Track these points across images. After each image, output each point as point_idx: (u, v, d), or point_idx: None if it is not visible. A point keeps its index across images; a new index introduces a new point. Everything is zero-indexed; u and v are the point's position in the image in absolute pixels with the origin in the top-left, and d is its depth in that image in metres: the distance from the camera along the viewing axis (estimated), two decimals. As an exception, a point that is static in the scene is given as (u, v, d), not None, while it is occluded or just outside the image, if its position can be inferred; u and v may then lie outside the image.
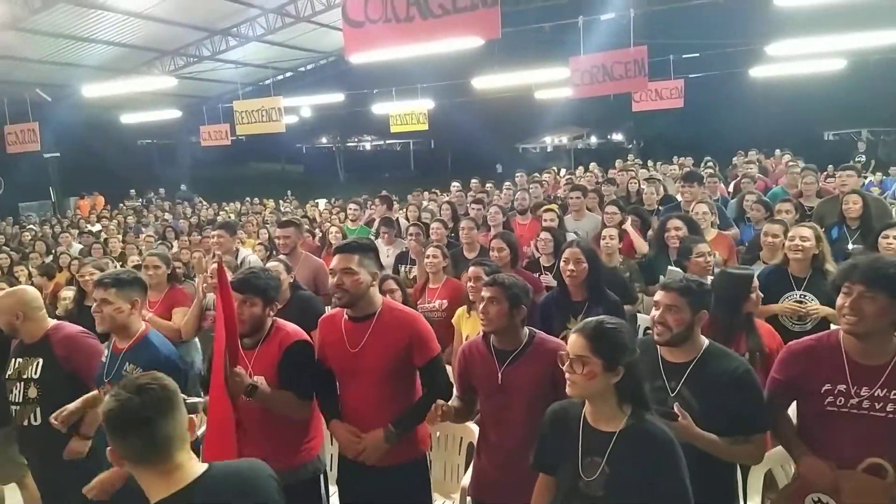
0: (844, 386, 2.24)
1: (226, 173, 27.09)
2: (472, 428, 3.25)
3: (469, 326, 3.90)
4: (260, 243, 7.95)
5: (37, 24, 12.56)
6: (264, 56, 17.48)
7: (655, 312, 2.51)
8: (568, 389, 2.13)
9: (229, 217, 13.29)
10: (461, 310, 4.07)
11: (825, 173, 8.36)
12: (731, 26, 15.66)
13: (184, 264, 6.68)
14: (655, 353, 2.54)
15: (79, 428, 3.18)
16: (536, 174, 12.03)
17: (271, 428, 2.79)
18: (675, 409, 2.33)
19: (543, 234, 5.11)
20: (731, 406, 2.36)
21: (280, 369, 2.79)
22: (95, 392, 3.11)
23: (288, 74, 20.70)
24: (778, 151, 12.88)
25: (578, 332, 2.14)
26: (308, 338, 2.95)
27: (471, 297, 3.89)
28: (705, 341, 2.54)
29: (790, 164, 9.51)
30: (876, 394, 2.18)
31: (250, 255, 5.72)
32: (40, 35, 13.14)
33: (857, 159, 16.98)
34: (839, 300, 2.24)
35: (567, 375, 2.12)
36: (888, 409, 2.17)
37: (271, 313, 2.89)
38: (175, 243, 9.06)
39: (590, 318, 2.23)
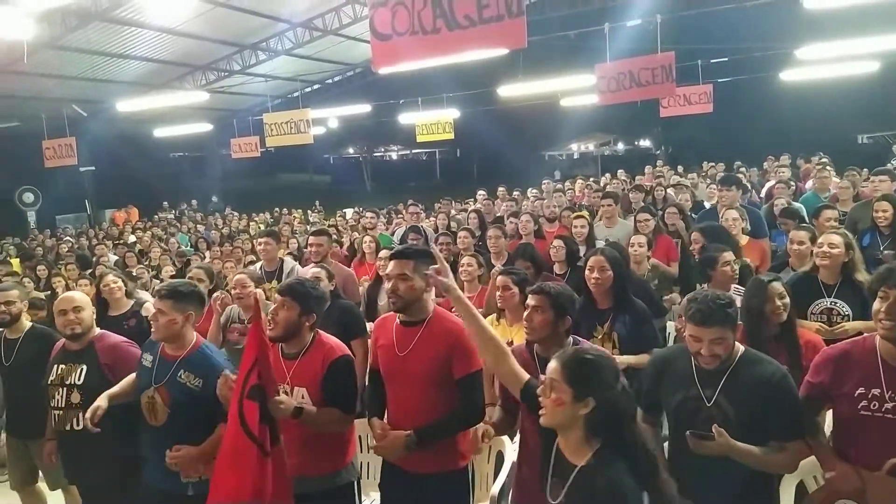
0: (879, 390, 2.22)
1: (255, 184, 27.48)
2: (501, 437, 3.25)
3: (501, 334, 3.89)
4: (290, 253, 8.06)
5: (73, 42, 12.95)
6: (293, 69, 17.77)
7: (699, 346, 2.42)
8: (541, 419, 2.08)
9: (259, 227, 13.50)
10: (491, 318, 4.07)
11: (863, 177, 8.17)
12: (760, 30, 15.46)
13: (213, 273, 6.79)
14: (689, 361, 2.51)
15: (126, 444, 3.17)
16: (558, 183, 11.98)
17: (308, 437, 2.82)
18: (713, 430, 2.29)
19: (556, 242, 5.12)
20: (768, 413, 2.34)
21: (324, 385, 2.83)
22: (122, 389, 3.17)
23: (316, 86, 20.99)
24: (815, 158, 12.63)
25: (557, 358, 2.10)
26: (350, 353, 2.99)
27: (499, 305, 3.90)
28: (740, 347, 2.51)
29: (817, 166, 9.34)
30: None
31: (298, 266, 5.82)
32: (77, 52, 13.54)
33: (892, 163, 16.55)
34: (876, 305, 2.22)
35: (540, 400, 2.08)
36: None
37: (308, 323, 2.90)
38: (207, 254, 9.23)
39: (570, 347, 2.26)
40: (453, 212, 9.71)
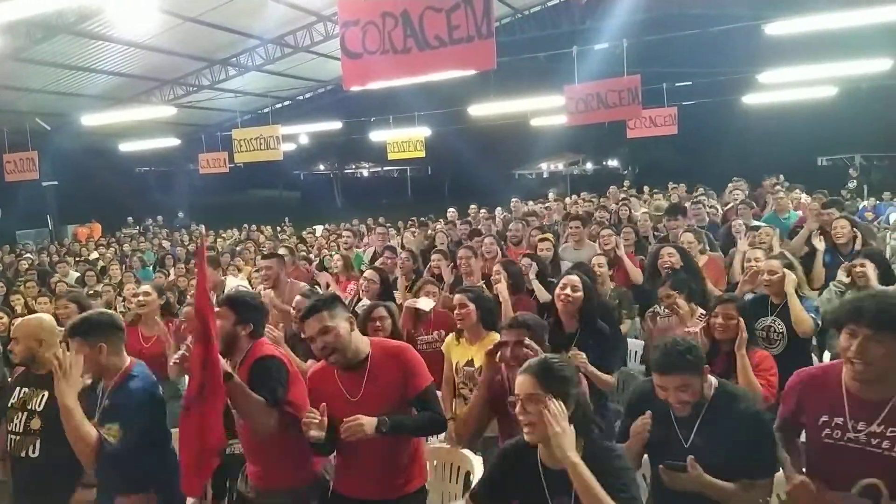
0: (842, 419, 2.20)
1: (224, 200, 27.18)
2: (469, 456, 3.24)
3: (458, 353, 3.87)
4: (257, 270, 7.95)
5: (38, 55, 12.71)
6: (263, 85, 17.68)
7: (665, 394, 2.45)
8: (528, 435, 2.11)
9: (225, 244, 13.32)
10: (450, 337, 4.04)
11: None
12: (723, 55, 15.91)
13: (181, 292, 6.68)
14: (664, 403, 2.49)
15: (81, 475, 3.06)
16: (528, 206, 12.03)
17: (270, 450, 2.80)
18: (689, 463, 2.30)
19: (525, 259, 5.11)
20: (741, 449, 2.34)
21: (249, 385, 2.72)
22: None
23: (286, 103, 20.91)
24: (766, 181, 12.94)
25: (525, 372, 2.15)
26: (279, 355, 2.90)
27: (459, 326, 3.88)
28: (714, 382, 2.51)
29: (776, 187, 9.60)
30: (873, 430, 2.14)
31: (239, 285, 5.74)
32: (41, 65, 13.28)
33: (849, 185, 17.10)
34: (843, 341, 2.14)
35: (522, 419, 2.10)
36: (884, 446, 2.13)
37: (244, 332, 2.86)
38: (172, 270, 9.06)
39: (532, 359, 2.25)
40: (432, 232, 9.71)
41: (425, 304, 4.49)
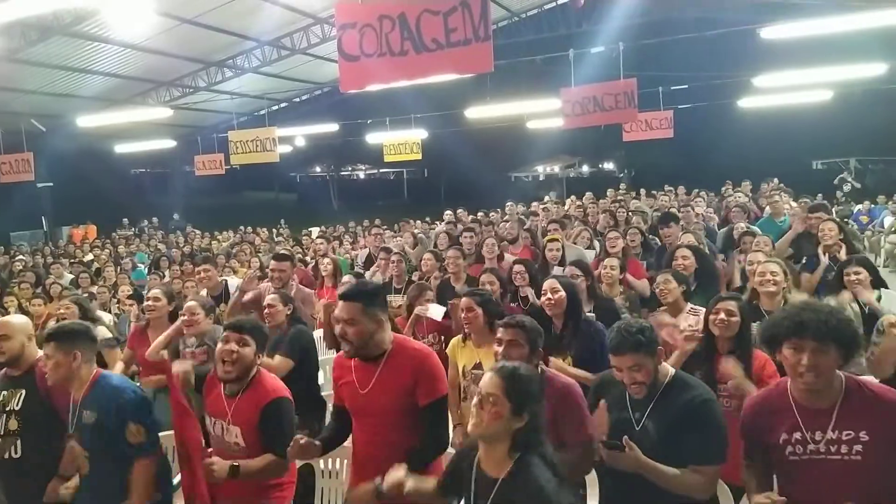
0: (800, 433, 2.21)
1: (220, 202, 27.12)
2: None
3: (465, 356, 3.86)
4: (265, 273, 7.93)
5: (34, 56, 12.67)
6: (260, 87, 17.67)
7: (620, 375, 2.53)
8: (471, 427, 2.14)
9: (221, 246, 13.29)
10: (455, 339, 4.03)
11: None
12: (718, 58, 15.96)
13: (175, 294, 6.64)
14: (621, 386, 2.58)
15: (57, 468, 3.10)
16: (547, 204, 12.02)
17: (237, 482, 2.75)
18: (623, 441, 2.36)
19: (517, 266, 5.08)
20: (687, 436, 2.40)
21: (260, 429, 2.79)
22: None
23: (283, 105, 20.90)
24: (764, 185, 12.99)
25: (495, 371, 2.18)
26: (287, 394, 2.91)
27: (466, 329, 3.87)
28: (670, 370, 2.60)
29: (773, 192, 9.63)
30: (829, 437, 2.16)
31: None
32: (37, 66, 13.24)
33: (844, 188, 17.19)
34: (789, 355, 2.18)
35: (472, 410, 2.14)
36: (842, 452, 2.14)
37: (257, 360, 2.89)
38: (167, 272, 9.03)
39: (506, 363, 2.27)
40: (419, 232, 9.70)
41: (436, 311, 4.48)
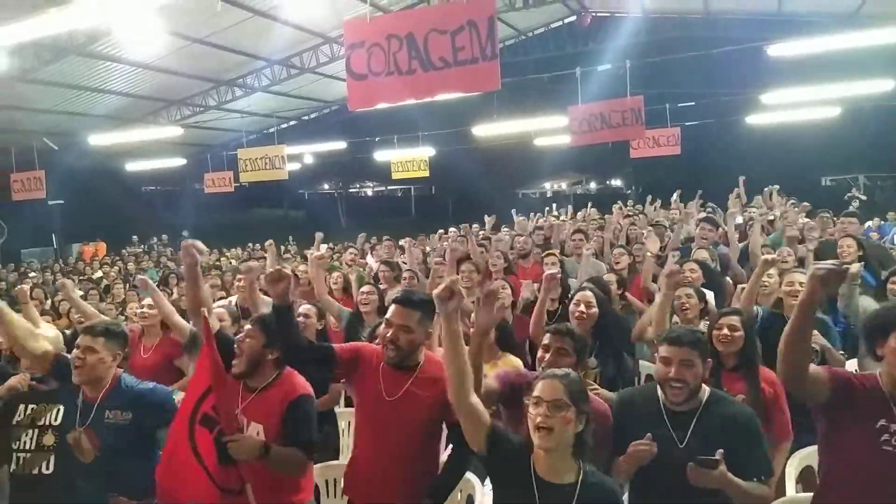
0: None
1: (228, 219, 27.24)
2: (472, 480, 3.19)
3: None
4: (261, 289, 7.92)
5: (47, 76, 12.85)
6: (269, 105, 17.83)
7: (668, 369, 2.46)
8: (542, 439, 2.11)
9: (231, 262, 13.33)
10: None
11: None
12: (726, 75, 16.00)
13: (182, 311, 6.64)
14: (657, 402, 2.52)
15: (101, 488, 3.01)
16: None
17: (259, 480, 2.69)
18: (718, 455, 2.29)
19: (525, 283, 5.10)
20: (735, 450, 2.35)
21: (284, 425, 2.74)
22: None
23: (292, 123, 21.08)
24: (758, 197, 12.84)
25: (554, 377, 2.18)
26: (311, 393, 2.88)
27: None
28: (706, 389, 2.54)
29: (792, 207, 9.62)
30: None
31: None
32: (50, 86, 13.43)
33: (854, 204, 17.06)
34: (894, 344, 2.16)
35: (541, 421, 2.10)
36: None
37: (272, 356, 2.83)
38: (175, 289, 9.05)
39: (559, 369, 2.26)
40: (429, 248, 9.70)
41: None
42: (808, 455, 2.99)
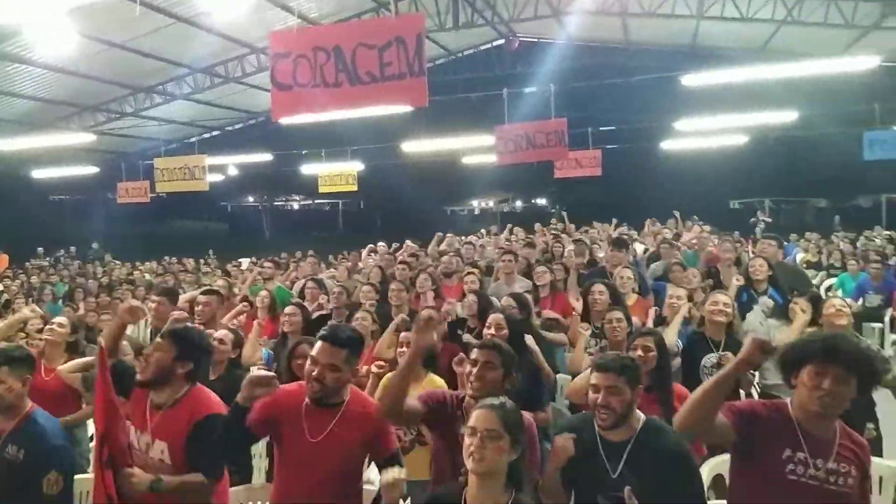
0: (803, 454, 2.23)
1: (144, 231, 25.99)
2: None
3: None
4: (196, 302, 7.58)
5: (-55, 75, 12.00)
6: (190, 114, 17.27)
7: (596, 395, 2.47)
8: (475, 465, 2.11)
9: (144, 276, 12.74)
10: (388, 377, 3.97)
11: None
12: (643, 103, 16.72)
13: (89, 328, 6.26)
14: (593, 431, 2.51)
15: None
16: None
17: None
18: (626, 494, 2.30)
19: (470, 297, 5.13)
20: (669, 483, 2.35)
21: (188, 445, 2.61)
22: None
23: (214, 133, 20.48)
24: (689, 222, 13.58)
25: (489, 408, 2.19)
26: (223, 411, 2.72)
27: (399, 362, 3.79)
28: (641, 416, 2.53)
29: (703, 231, 10.13)
30: (830, 466, 2.21)
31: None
32: (-51, 87, 12.55)
33: (760, 226, 18.12)
34: (810, 377, 2.20)
35: (474, 450, 2.12)
36: (839, 483, 2.21)
37: (182, 370, 2.70)
38: (81, 304, 8.54)
39: (493, 399, 2.26)
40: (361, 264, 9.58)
41: None
42: (719, 464, 3.03)
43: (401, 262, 7.30)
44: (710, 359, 3.99)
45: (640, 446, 2.43)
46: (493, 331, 3.74)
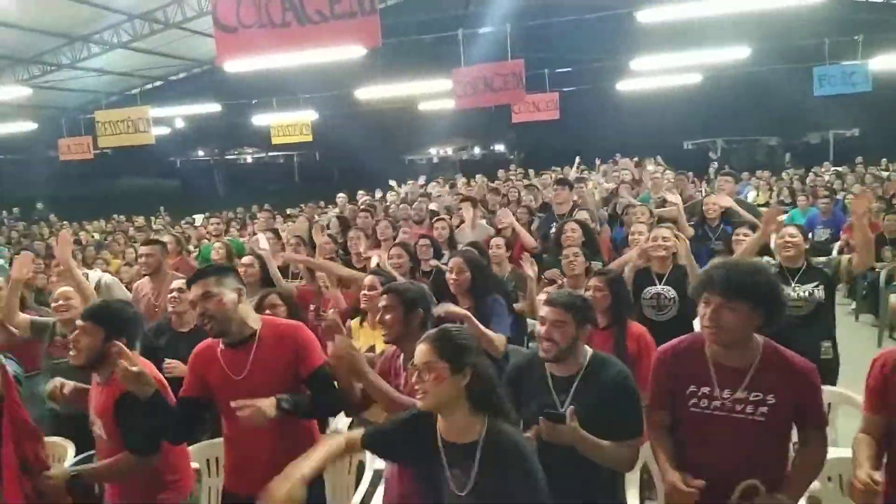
0: (709, 388, 2.28)
1: (91, 190, 25.06)
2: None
3: (361, 338, 3.79)
4: (126, 263, 7.39)
5: None
6: (130, 64, 16.47)
7: (541, 328, 2.52)
8: (420, 402, 2.11)
9: (93, 236, 12.30)
10: (354, 322, 3.96)
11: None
12: (599, 42, 16.58)
13: (38, 290, 6.03)
14: (543, 369, 2.57)
15: None
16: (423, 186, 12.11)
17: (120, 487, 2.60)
18: (568, 413, 2.33)
19: (422, 240, 5.14)
20: (611, 413, 2.41)
21: (116, 422, 2.59)
22: None
23: (158, 83, 19.61)
24: (649, 162, 13.73)
25: (423, 341, 2.16)
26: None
27: (363, 306, 3.80)
28: (589, 351, 2.59)
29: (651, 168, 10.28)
30: (738, 396, 2.24)
31: (105, 276, 5.31)
32: None
33: (712, 166, 18.43)
34: (700, 309, 2.27)
35: (417, 387, 2.11)
36: (748, 411, 2.23)
37: (115, 348, 2.56)
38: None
39: (432, 330, 2.24)
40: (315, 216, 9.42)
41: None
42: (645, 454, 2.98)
43: (362, 210, 7.21)
44: (649, 291, 4.22)
45: (587, 380, 2.50)
46: (453, 275, 3.74)
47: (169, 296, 3.97)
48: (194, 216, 14.84)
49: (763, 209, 9.09)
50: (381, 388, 2.55)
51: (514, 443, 2.07)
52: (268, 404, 2.38)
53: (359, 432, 2.32)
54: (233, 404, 2.38)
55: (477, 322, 3.32)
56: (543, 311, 2.55)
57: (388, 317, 2.74)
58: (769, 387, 2.22)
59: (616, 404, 2.42)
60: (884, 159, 15.49)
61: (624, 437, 2.41)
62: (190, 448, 2.99)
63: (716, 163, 20.33)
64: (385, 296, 2.80)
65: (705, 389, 2.29)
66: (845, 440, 2.81)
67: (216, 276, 2.57)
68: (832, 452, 2.41)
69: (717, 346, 2.27)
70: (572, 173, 11.10)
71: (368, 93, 13.84)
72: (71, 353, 2.66)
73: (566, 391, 2.50)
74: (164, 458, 2.65)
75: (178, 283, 3.96)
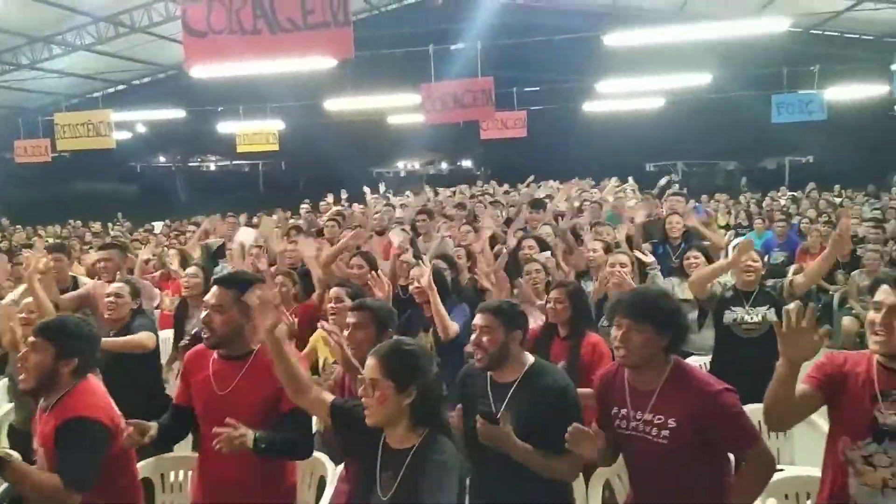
0: (626, 409, 2.37)
1: (47, 193, 24.25)
2: (323, 461, 3.08)
3: (327, 350, 3.75)
4: (93, 264, 7.15)
5: None
6: (93, 67, 16.07)
7: (474, 333, 2.56)
8: (367, 418, 2.10)
9: (48, 241, 11.89)
10: (319, 333, 3.91)
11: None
12: (567, 63, 16.85)
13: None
14: (486, 375, 2.60)
15: None
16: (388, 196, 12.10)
17: None
18: (501, 416, 2.36)
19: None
20: (547, 422, 2.41)
21: (54, 451, 2.37)
22: None
23: (120, 87, 19.20)
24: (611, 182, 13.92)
25: (373, 354, 2.13)
26: (94, 416, 2.43)
27: (331, 319, 3.76)
28: (530, 359, 2.60)
29: (617, 191, 10.46)
30: (646, 417, 2.31)
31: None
32: None
33: (671, 189, 18.85)
34: (612, 332, 2.36)
35: (363, 401, 2.10)
36: (653, 434, 2.28)
37: (67, 368, 2.45)
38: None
39: (385, 342, 2.24)
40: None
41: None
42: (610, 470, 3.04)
43: (329, 219, 7.17)
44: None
45: (522, 387, 2.52)
46: (417, 284, 3.78)
47: (106, 300, 3.87)
48: (153, 223, 14.52)
49: (722, 230, 9.32)
50: (288, 363, 2.32)
51: (442, 455, 2.05)
52: (246, 440, 2.31)
53: (330, 396, 2.32)
54: (215, 430, 2.31)
55: (438, 301, 3.49)
56: (476, 318, 2.59)
57: (359, 335, 2.69)
58: (670, 409, 2.26)
59: (552, 414, 2.42)
60: (836, 185, 16.05)
61: (560, 449, 2.36)
62: (140, 464, 2.87)
63: (674, 185, 20.84)
64: (356, 311, 2.74)
65: (623, 411, 2.38)
66: (803, 458, 2.87)
67: (236, 290, 2.46)
68: (790, 471, 2.45)
69: (629, 368, 2.36)
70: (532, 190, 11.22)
71: (338, 104, 13.83)
72: (20, 376, 2.46)
73: (502, 398, 2.52)
74: (104, 485, 2.43)
75: (115, 287, 3.90)
